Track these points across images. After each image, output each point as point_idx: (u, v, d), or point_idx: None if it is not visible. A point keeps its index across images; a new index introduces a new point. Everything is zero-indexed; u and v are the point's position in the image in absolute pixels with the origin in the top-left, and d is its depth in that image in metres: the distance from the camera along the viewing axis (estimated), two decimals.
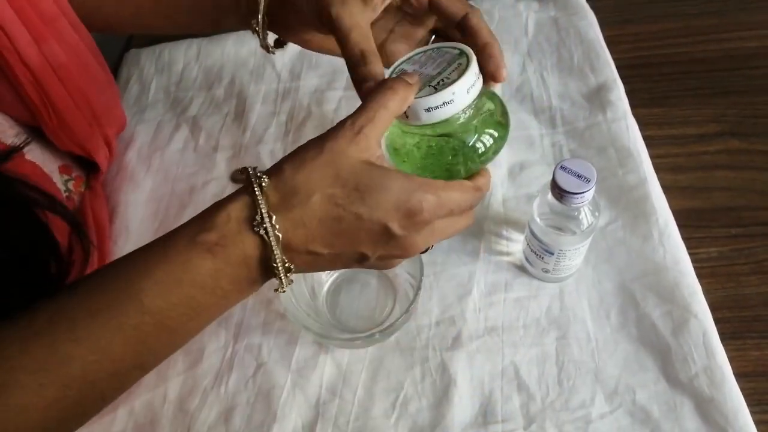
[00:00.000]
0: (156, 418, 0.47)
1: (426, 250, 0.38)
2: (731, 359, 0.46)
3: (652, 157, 0.58)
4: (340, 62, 0.70)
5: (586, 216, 0.45)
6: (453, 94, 0.36)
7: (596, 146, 0.59)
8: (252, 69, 0.71)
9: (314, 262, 0.35)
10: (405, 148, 0.39)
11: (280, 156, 0.62)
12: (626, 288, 0.50)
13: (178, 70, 0.73)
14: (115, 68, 0.75)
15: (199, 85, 0.71)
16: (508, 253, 0.54)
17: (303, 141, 0.67)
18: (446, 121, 0.37)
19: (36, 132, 0.55)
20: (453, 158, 0.38)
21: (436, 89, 0.36)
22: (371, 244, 0.35)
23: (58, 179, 0.55)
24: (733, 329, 0.49)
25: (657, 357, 0.47)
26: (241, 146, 0.64)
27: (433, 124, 0.37)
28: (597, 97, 0.63)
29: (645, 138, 0.59)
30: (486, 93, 0.39)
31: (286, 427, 0.46)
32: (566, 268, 0.49)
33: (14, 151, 0.34)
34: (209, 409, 0.48)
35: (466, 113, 0.38)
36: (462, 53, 0.38)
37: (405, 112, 0.37)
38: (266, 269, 0.34)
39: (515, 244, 0.54)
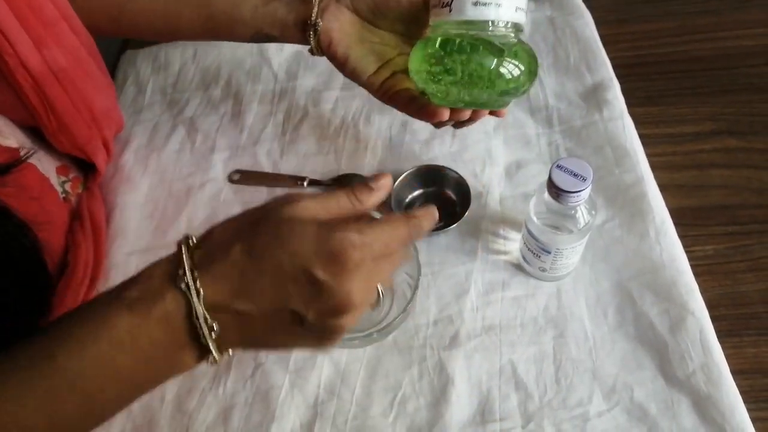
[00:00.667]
0: (154, 419, 0.47)
1: (373, 306, 0.35)
2: (728, 356, 0.46)
3: (648, 155, 0.58)
4: None
5: (582, 215, 0.45)
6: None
7: (593, 145, 0.59)
8: (248, 69, 0.71)
9: (244, 325, 0.32)
10: (434, 58, 0.40)
11: (277, 156, 0.63)
12: (623, 286, 0.51)
13: (175, 71, 0.73)
14: (112, 70, 0.74)
15: (196, 86, 0.71)
16: (505, 252, 0.54)
17: (300, 140, 0.68)
18: (486, 23, 0.37)
19: (35, 133, 0.55)
20: (479, 70, 0.38)
21: None
22: (300, 299, 0.31)
23: (55, 180, 0.55)
24: (729, 327, 0.49)
25: (654, 355, 0.47)
26: (238, 147, 0.64)
27: (474, 22, 0.37)
28: (593, 97, 0.63)
29: (641, 137, 0.59)
30: (525, 43, 0.40)
31: (285, 426, 0.46)
32: (563, 267, 0.50)
33: (14, 165, 0.33)
34: (207, 410, 0.48)
35: (507, 28, 0.38)
36: None
37: (449, 5, 0.37)
38: (192, 331, 0.32)
39: (512, 243, 0.54)
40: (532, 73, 0.41)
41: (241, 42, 0.53)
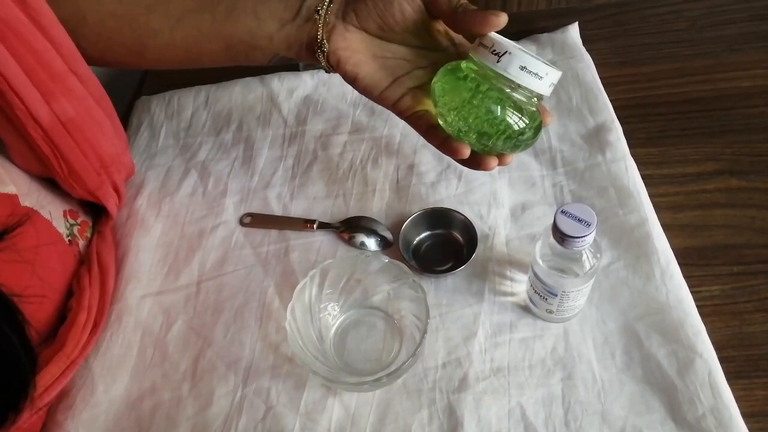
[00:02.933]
0: None
1: None
2: (738, 399, 0.46)
3: (651, 196, 0.59)
4: (345, 107, 0.73)
5: (588, 258, 0.46)
6: (547, 74, 0.42)
7: (596, 186, 0.60)
8: (259, 115, 0.73)
9: None
10: (462, 87, 0.44)
11: (287, 199, 0.64)
12: (630, 328, 0.51)
13: (187, 116, 0.75)
14: (126, 115, 0.77)
15: (208, 130, 0.73)
16: (512, 294, 0.54)
17: (309, 184, 0.70)
18: (519, 87, 0.42)
19: (43, 178, 0.56)
20: (492, 114, 0.43)
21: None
22: None
23: (60, 223, 0.56)
24: (739, 368, 0.49)
25: (663, 397, 0.47)
26: (249, 190, 0.66)
27: (508, 80, 0.42)
28: (596, 138, 0.64)
29: (644, 177, 0.61)
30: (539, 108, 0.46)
31: None
32: (570, 309, 0.50)
33: (11, 230, 0.32)
34: None
35: (532, 95, 0.43)
36: (549, 63, 0.43)
37: (499, 56, 0.41)
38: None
39: (519, 285, 0.55)
40: (538, 130, 0.46)
41: (262, 65, 0.55)
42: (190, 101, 0.76)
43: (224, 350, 0.54)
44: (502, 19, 0.44)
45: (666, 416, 0.46)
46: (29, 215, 0.52)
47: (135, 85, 0.82)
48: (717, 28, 0.76)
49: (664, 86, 0.71)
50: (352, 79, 0.50)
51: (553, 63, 0.72)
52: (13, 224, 0.33)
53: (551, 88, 0.43)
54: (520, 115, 0.43)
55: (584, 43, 0.75)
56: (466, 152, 0.46)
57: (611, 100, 0.68)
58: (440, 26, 0.49)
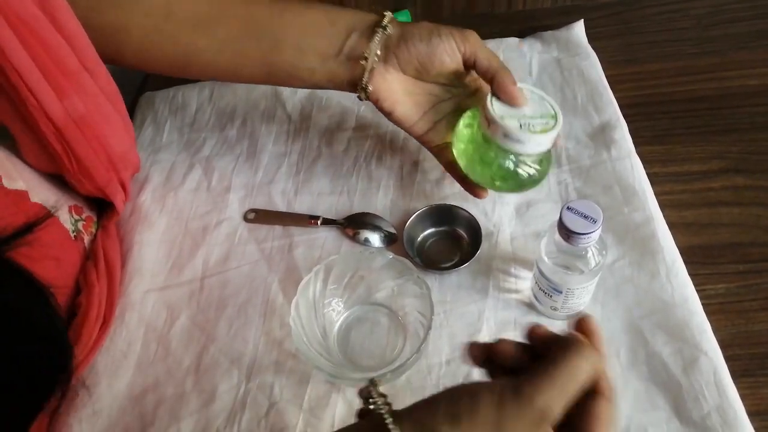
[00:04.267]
0: None
1: None
2: (743, 397, 0.46)
3: (656, 194, 0.59)
4: (349, 104, 0.73)
5: (593, 255, 0.46)
6: (528, 140, 0.48)
7: (602, 184, 0.60)
8: (263, 110, 0.73)
9: None
10: (473, 138, 0.52)
11: (291, 195, 0.64)
12: (635, 325, 0.51)
13: (192, 112, 0.75)
14: (131, 110, 0.77)
15: (212, 126, 0.73)
16: (516, 291, 0.54)
17: (313, 180, 0.69)
18: (509, 150, 0.49)
19: (50, 175, 0.56)
20: (501, 168, 0.51)
21: (521, 126, 0.48)
22: None
23: (66, 219, 0.56)
24: (744, 367, 0.49)
25: (668, 395, 0.47)
26: (254, 186, 0.65)
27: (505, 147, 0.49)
28: (601, 136, 0.64)
29: (649, 175, 0.60)
30: (549, 151, 0.52)
31: None
32: (574, 306, 0.50)
33: (39, 223, 0.32)
34: None
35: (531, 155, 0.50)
36: (554, 115, 0.50)
37: (488, 126, 0.49)
38: None
39: (523, 282, 0.55)
40: (545, 174, 0.52)
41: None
42: (195, 97, 0.76)
43: (228, 346, 0.54)
44: (520, 101, 0.50)
45: (671, 414, 0.46)
46: (55, 209, 0.54)
47: (139, 81, 0.82)
48: (723, 27, 0.75)
49: (670, 84, 0.70)
50: (388, 113, 0.55)
51: (558, 61, 0.72)
52: (42, 217, 0.34)
53: (543, 147, 0.49)
54: (527, 166, 0.51)
55: (589, 41, 0.75)
56: (484, 195, 0.56)
57: (617, 98, 0.68)
58: (472, 75, 0.54)
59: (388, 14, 0.53)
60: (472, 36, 0.52)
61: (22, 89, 0.46)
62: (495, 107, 0.49)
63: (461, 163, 0.53)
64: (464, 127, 0.53)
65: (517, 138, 0.48)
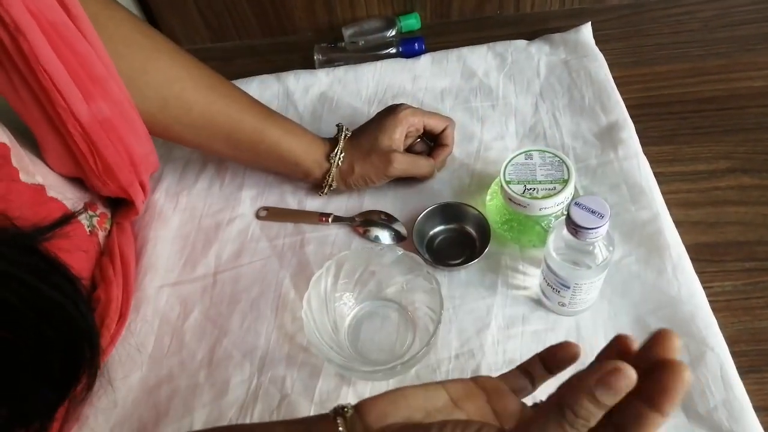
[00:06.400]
0: None
1: None
2: (750, 392, 0.47)
3: (663, 193, 0.59)
4: (360, 105, 0.74)
5: (600, 250, 0.47)
6: (541, 210, 0.54)
7: (609, 183, 0.61)
8: (275, 110, 0.74)
9: None
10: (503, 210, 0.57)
11: (302, 194, 0.65)
12: (642, 321, 0.51)
13: None
14: None
15: None
16: (525, 288, 0.55)
17: None
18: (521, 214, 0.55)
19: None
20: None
21: (526, 189, 0.54)
22: None
23: (83, 215, 0.58)
24: (750, 362, 0.49)
25: None
26: (266, 184, 0.67)
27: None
28: (608, 136, 0.65)
29: (656, 175, 0.61)
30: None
31: None
32: (582, 302, 0.51)
33: (72, 217, 0.32)
34: None
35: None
36: (566, 180, 0.54)
37: (503, 194, 0.55)
38: None
39: (531, 279, 0.55)
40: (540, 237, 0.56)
41: None
42: None
43: (240, 339, 0.55)
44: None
45: (678, 409, 0.46)
46: (88, 205, 0.56)
47: None
48: (730, 29, 0.76)
49: (677, 86, 0.71)
50: None
51: (566, 62, 0.73)
52: (78, 210, 0.35)
53: (545, 211, 0.54)
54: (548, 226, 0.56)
55: (597, 43, 0.75)
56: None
57: (624, 99, 0.68)
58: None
59: None
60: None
61: (52, 91, 0.48)
62: (507, 172, 0.55)
63: (509, 237, 0.58)
64: (488, 202, 0.59)
65: (519, 202, 0.53)
